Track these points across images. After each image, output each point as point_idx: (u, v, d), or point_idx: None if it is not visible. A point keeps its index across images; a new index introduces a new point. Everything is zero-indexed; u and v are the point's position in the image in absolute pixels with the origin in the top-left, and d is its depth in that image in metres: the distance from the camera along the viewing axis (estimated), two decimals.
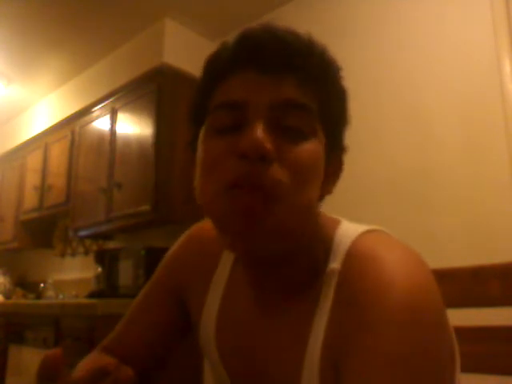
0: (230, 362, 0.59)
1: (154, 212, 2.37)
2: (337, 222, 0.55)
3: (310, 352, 0.48)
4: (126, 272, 2.48)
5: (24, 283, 3.84)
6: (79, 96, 3.22)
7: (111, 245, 3.12)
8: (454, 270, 0.82)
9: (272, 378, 0.53)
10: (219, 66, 0.51)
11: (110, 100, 2.86)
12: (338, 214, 0.58)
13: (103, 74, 3.05)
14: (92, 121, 2.99)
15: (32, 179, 3.48)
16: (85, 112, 3.09)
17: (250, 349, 0.56)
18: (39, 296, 3.35)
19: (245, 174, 0.44)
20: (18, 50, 2.96)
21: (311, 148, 0.47)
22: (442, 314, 0.45)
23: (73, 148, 3.13)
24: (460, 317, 0.72)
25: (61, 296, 3.27)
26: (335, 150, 0.53)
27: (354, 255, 0.49)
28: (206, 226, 0.67)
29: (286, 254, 0.52)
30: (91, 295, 2.62)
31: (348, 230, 0.53)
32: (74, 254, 3.48)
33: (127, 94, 2.72)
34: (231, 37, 0.51)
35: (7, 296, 3.52)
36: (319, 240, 0.53)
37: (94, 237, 3.09)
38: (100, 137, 2.87)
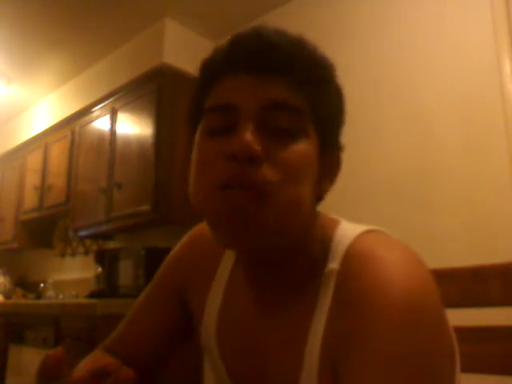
0: (230, 362, 0.59)
1: (154, 212, 2.37)
2: (336, 222, 0.56)
3: (309, 352, 0.49)
4: (125, 272, 2.48)
5: (24, 283, 3.84)
6: (79, 96, 3.22)
7: (111, 245, 3.12)
8: (453, 270, 0.82)
9: (272, 377, 0.53)
10: (212, 70, 0.52)
11: (110, 100, 2.86)
12: (338, 214, 0.58)
13: (103, 74, 3.05)
14: (92, 121, 2.99)
15: (32, 179, 3.48)
16: (85, 112, 3.09)
17: (251, 349, 0.56)
18: (39, 296, 3.35)
19: (235, 175, 0.46)
20: (18, 49, 2.96)
21: (301, 148, 0.48)
22: (440, 314, 0.45)
23: (73, 148, 3.13)
24: (460, 317, 0.72)
25: (61, 296, 3.27)
26: (330, 150, 0.53)
27: (352, 255, 0.49)
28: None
29: (285, 254, 0.52)
30: (91, 295, 2.62)
31: (347, 230, 0.53)
32: (74, 254, 3.48)
33: (127, 94, 2.72)
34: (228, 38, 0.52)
35: (7, 296, 3.52)
36: (318, 240, 0.53)
37: (94, 237, 3.09)
38: (100, 137, 2.87)
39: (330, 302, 0.49)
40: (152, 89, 2.53)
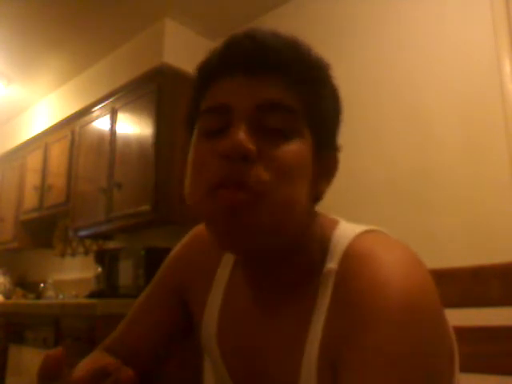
0: (231, 362, 0.59)
1: (154, 212, 2.37)
2: (335, 222, 0.56)
3: (308, 352, 0.49)
4: (125, 272, 2.48)
5: (24, 283, 3.84)
6: (79, 96, 3.23)
7: (111, 245, 3.12)
8: (453, 270, 0.82)
9: (272, 377, 0.53)
10: (208, 72, 0.53)
11: (110, 100, 2.86)
12: (338, 214, 0.58)
13: (103, 74, 3.05)
14: (92, 121, 2.99)
15: (32, 179, 3.49)
16: (85, 112, 3.10)
17: (251, 349, 0.56)
18: (39, 296, 3.35)
19: (228, 174, 0.46)
20: (18, 49, 2.96)
21: (294, 148, 0.48)
22: (439, 313, 0.45)
23: (73, 148, 3.13)
24: (460, 317, 0.72)
25: (61, 296, 3.27)
26: (326, 150, 0.53)
27: (351, 255, 0.49)
28: None
29: (282, 254, 0.52)
30: (91, 295, 2.62)
31: (346, 230, 0.53)
32: (74, 254, 3.48)
33: (127, 94, 2.72)
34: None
35: (7, 296, 3.52)
36: (316, 240, 0.54)
37: (94, 237, 3.09)
38: (100, 137, 2.87)
39: (329, 302, 0.49)
40: (152, 89, 2.53)
